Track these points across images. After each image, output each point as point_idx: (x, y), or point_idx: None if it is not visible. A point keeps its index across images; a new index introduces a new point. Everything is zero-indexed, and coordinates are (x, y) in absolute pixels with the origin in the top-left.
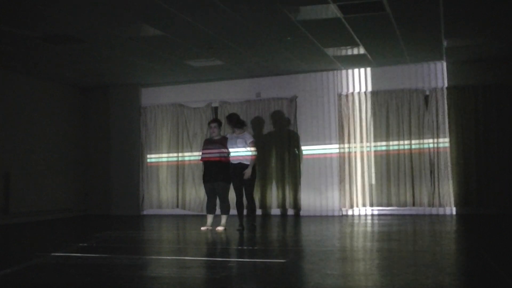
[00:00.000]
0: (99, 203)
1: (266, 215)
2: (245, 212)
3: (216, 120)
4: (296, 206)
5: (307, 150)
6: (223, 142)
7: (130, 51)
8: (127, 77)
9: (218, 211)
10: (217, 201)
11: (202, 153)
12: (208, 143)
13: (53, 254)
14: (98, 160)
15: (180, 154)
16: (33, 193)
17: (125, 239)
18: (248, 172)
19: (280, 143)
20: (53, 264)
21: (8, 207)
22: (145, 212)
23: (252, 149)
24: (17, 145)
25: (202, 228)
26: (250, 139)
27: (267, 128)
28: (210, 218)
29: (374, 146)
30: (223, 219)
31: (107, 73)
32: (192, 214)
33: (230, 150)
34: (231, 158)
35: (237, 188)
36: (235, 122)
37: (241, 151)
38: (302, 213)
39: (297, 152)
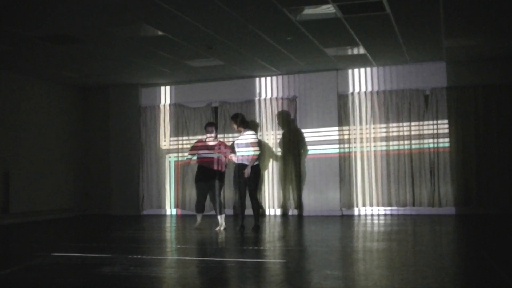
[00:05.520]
0: (99, 203)
1: (268, 215)
2: (247, 212)
3: (212, 124)
4: (298, 206)
5: (307, 150)
6: (218, 148)
7: (130, 51)
8: (127, 77)
9: (206, 211)
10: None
11: (198, 155)
12: (204, 148)
13: (53, 254)
14: (98, 160)
15: (180, 154)
16: (33, 193)
17: (125, 239)
18: (247, 171)
19: (280, 143)
20: (53, 264)
21: (8, 207)
22: (145, 212)
23: (255, 149)
24: (17, 145)
25: (195, 226)
26: (252, 140)
27: (267, 128)
28: (199, 217)
29: (374, 146)
30: (221, 219)
31: (107, 73)
32: (192, 214)
33: (236, 150)
34: (234, 158)
35: (240, 188)
36: (240, 121)
37: (243, 151)
38: (302, 213)
39: (301, 150)
